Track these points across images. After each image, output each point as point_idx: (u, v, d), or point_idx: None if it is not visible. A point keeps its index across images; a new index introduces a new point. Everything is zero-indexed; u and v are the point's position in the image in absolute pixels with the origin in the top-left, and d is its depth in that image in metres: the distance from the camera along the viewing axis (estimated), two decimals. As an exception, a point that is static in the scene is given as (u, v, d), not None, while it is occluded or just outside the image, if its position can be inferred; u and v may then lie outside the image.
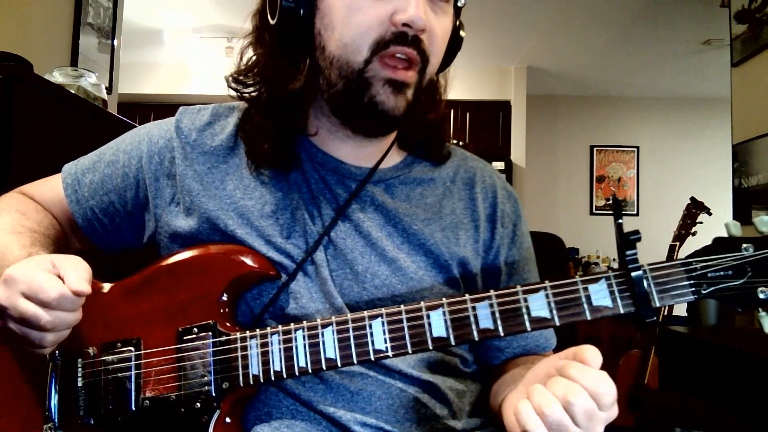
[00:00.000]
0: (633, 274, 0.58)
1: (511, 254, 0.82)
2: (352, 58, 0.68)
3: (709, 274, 0.58)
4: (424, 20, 0.67)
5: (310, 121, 0.78)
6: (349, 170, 0.77)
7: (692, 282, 0.58)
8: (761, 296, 0.57)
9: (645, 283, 0.58)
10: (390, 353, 0.63)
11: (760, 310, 0.57)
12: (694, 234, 2.56)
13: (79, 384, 0.70)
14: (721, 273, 0.58)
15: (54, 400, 0.69)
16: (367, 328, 0.63)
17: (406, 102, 0.70)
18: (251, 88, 0.78)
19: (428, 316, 0.62)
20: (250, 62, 0.77)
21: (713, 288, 0.58)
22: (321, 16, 0.70)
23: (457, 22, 0.78)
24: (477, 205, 0.82)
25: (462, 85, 5.09)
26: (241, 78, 0.78)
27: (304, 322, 0.66)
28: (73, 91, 1.46)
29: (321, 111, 0.76)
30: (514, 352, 0.81)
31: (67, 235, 0.84)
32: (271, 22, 0.73)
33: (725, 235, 0.59)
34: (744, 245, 0.58)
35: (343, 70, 0.69)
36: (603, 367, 0.53)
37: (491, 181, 0.85)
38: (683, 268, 0.59)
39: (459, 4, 0.76)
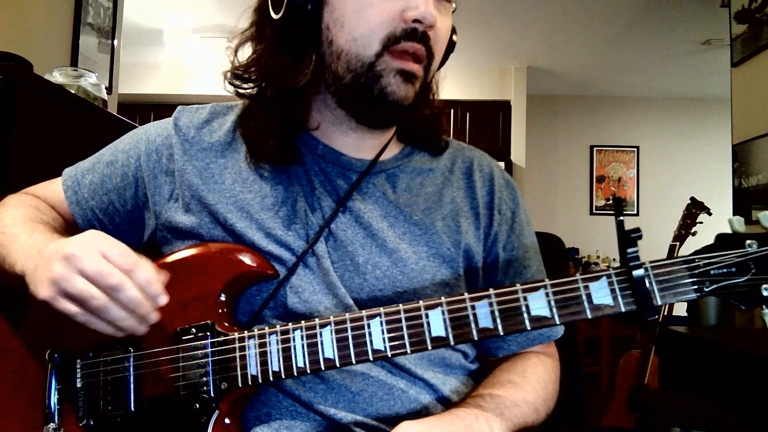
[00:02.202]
0: (634, 272, 0.58)
1: (510, 242, 0.82)
2: (362, 52, 0.69)
3: (712, 272, 0.57)
4: (434, 16, 0.69)
5: (312, 115, 0.78)
6: (349, 162, 0.78)
7: (694, 279, 0.58)
8: (765, 293, 0.56)
9: (647, 281, 0.58)
10: (389, 353, 0.62)
11: (763, 307, 0.57)
12: (694, 234, 2.56)
13: (79, 384, 0.70)
14: (724, 270, 0.57)
15: (54, 400, 0.69)
16: (366, 327, 0.63)
17: (414, 92, 0.71)
18: (251, 84, 0.77)
19: (427, 316, 0.62)
20: (250, 58, 0.77)
21: (716, 285, 0.57)
22: (330, 11, 0.71)
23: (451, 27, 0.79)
24: (476, 193, 0.82)
25: (462, 85, 5.09)
26: (239, 74, 0.77)
27: (303, 322, 0.65)
28: (73, 91, 1.46)
29: (325, 104, 0.76)
30: (518, 342, 0.81)
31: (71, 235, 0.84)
32: (274, 16, 0.72)
33: (727, 232, 0.59)
34: (748, 242, 0.57)
35: (351, 63, 0.70)
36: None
37: (489, 169, 0.85)
38: (685, 266, 0.58)
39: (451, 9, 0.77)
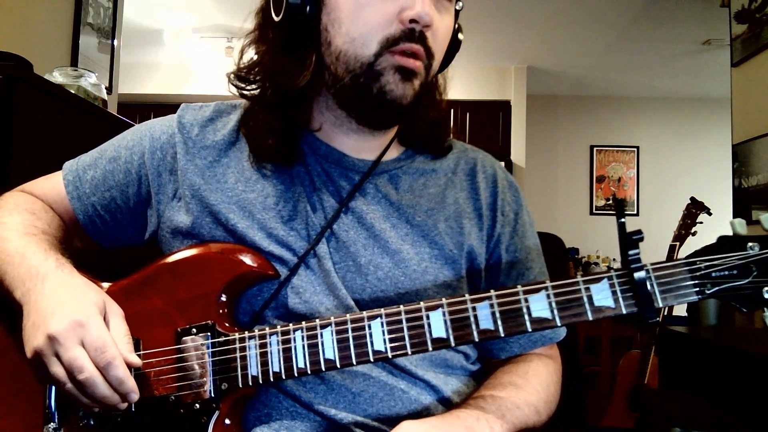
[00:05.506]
0: (636, 274, 0.58)
1: (513, 244, 0.82)
2: (361, 52, 0.69)
3: (713, 274, 0.57)
4: (431, 16, 0.69)
5: (313, 117, 0.78)
6: (352, 162, 0.78)
7: (696, 282, 0.58)
8: (766, 296, 0.56)
9: (648, 283, 0.58)
10: (389, 354, 0.62)
11: (765, 309, 0.57)
12: (694, 234, 2.56)
13: (79, 384, 0.69)
14: (726, 272, 0.57)
15: (54, 400, 0.69)
16: (367, 328, 0.63)
17: (413, 91, 0.71)
18: (254, 85, 0.78)
19: (428, 317, 0.62)
20: (252, 60, 0.78)
21: (717, 288, 0.57)
22: (327, 12, 0.71)
23: (456, 25, 0.79)
24: (479, 194, 0.81)
25: (462, 85, 5.09)
26: (243, 75, 0.78)
27: (303, 322, 0.65)
28: (73, 91, 1.46)
29: (326, 105, 0.76)
30: (520, 344, 0.80)
31: (69, 233, 0.84)
32: (276, 18, 0.73)
33: (729, 233, 0.59)
34: (749, 244, 0.57)
35: (350, 64, 0.70)
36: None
37: (492, 171, 0.85)
38: (687, 268, 0.58)
39: (457, 7, 0.77)
